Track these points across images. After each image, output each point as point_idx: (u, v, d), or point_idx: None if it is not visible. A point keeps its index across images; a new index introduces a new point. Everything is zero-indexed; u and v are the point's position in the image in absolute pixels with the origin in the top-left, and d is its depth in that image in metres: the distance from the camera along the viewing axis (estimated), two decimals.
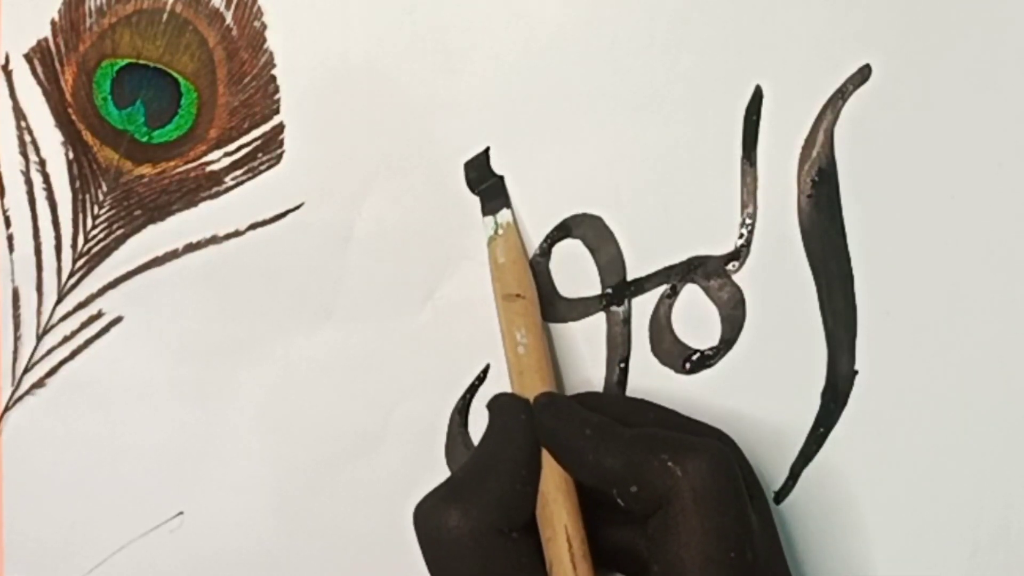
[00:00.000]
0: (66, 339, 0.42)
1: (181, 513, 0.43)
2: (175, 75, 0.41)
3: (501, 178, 0.41)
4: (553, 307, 0.41)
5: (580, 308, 0.41)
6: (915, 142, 0.40)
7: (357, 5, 0.41)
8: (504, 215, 0.41)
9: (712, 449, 0.34)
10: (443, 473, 0.42)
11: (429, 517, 0.35)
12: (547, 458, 0.37)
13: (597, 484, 0.35)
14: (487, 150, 0.41)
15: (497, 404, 0.38)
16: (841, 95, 0.40)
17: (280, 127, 0.41)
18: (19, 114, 0.42)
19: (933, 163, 0.40)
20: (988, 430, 0.41)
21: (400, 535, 0.42)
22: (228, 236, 0.41)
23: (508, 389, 0.39)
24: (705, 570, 0.33)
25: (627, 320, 0.41)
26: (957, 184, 0.41)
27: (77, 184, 0.42)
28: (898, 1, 0.40)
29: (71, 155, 0.42)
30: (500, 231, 0.40)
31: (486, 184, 0.41)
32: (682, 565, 0.33)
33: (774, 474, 0.41)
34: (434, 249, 0.41)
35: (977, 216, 0.41)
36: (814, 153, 0.41)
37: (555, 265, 0.41)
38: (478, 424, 0.42)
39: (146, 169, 0.42)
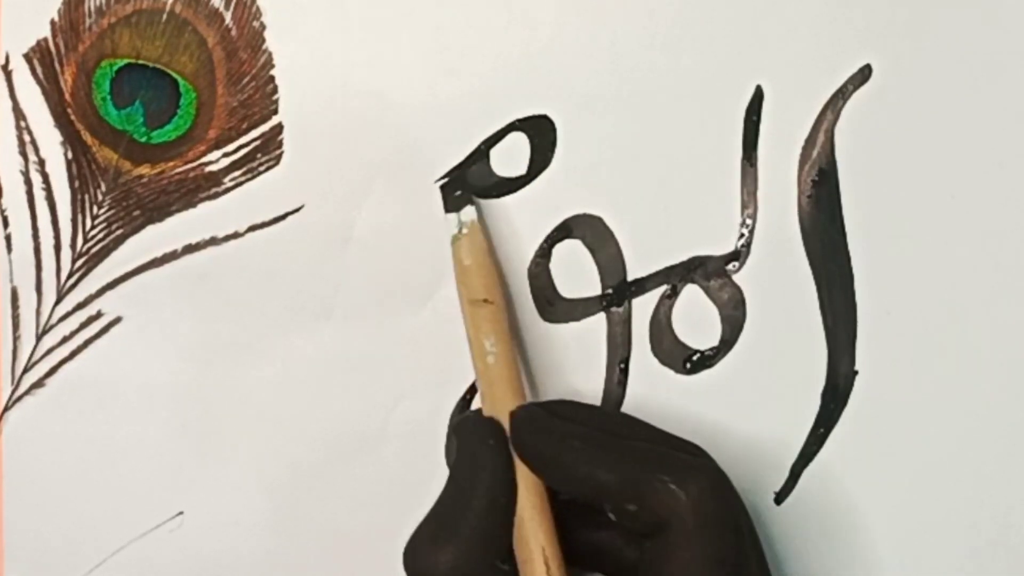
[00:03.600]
0: (65, 339, 0.42)
1: (181, 513, 0.43)
2: (174, 75, 0.41)
3: (463, 173, 0.40)
4: (553, 308, 0.41)
5: (580, 308, 0.41)
6: (915, 142, 0.40)
7: (356, 6, 0.41)
8: (468, 212, 0.40)
9: (713, 471, 0.34)
10: (443, 473, 0.42)
11: (418, 559, 0.35)
12: (521, 478, 0.36)
13: (588, 498, 0.35)
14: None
15: (464, 428, 0.38)
16: (841, 95, 0.40)
17: (279, 128, 0.41)
18: (18, 114, 0.42)
19: (933, 163, 0.40)
20: (988, 430, 0.41)
21: (400, 535, 0.41)
22: (227, 238, 0.41)
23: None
24: None
25: (627, 320, 0.41)
26: (957, 184, 0.40)
27: (76, 184, 0.42)
28: (898, 1, 0.40)
29: (70, 155, 0.42)
30: (464, 230, 0.39)
31: (446, 179, 0.40)
32: None
33: (774, 474, 0.41)
34: (434, 249, 0.41)
35: (977, 216, 0.40)
36: (814, 153, 0.41)
37: (555, 265, 0.41)
38: None
39: (145, 169, 0.42)
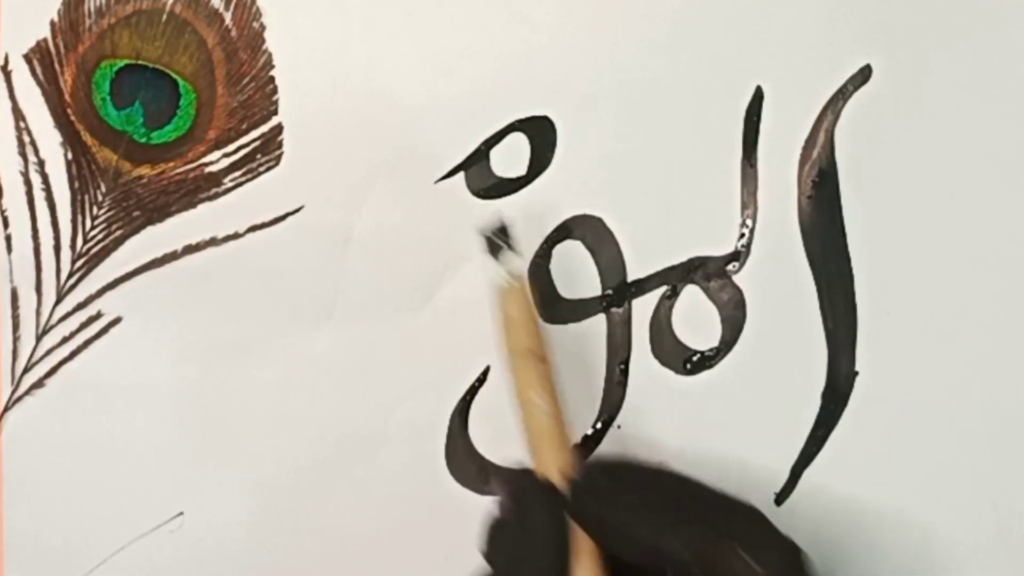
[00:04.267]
0: (65, 340, 0.42)
1: (181, 513, 0.43)
2: (174, 76, 0.41)
3: (504, 225, 0.39)
4: (553, 308, 0.41)
5: (580, 309, 0.41)
6: (915, 142, 0.40)
7: (356, 6, 0.41)
8: (516, 265, 0.38)
9: (791, 547, 0.33)
10: (443, 473, 0.42)
11: None
12: (578, 542, 0.35)
13: (650, 564, 0.33)
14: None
15: (519, 489, 0.36)
16: (842, 96, 0.40)
17: (279, 128, 0.41)
18: (18, 115, 0.42)
19: (933, 163, 0.40)
20: (989, 430, 0.41)
21: (400, 535, 0.42)
22: (227, 238, 0.41)
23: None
24: None
25: (627, 321, 0.41)
26: (957, 184, 0.40)
27: (76, 185, 0.42)
28: (898, 1, 0.40)
29: (70, 156, 0.42)
30: (513, 283, 0.38)
31: (497, 227, 0.39)
32: None
33: (774, 475, 0.41)
34: (434, 250, 0.41)
35: (977, 216, 0.40)
36: (814, 154, 0.41)
37: (555, 266, 0.41)
38: (478, 425, 0.42)
39: (145, 170, 0.42)
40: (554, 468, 0.36)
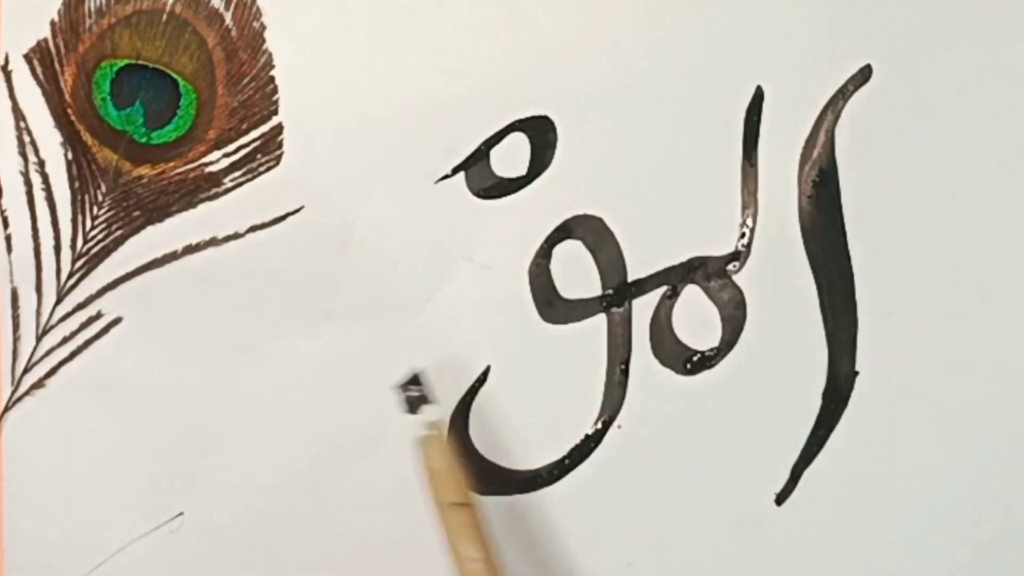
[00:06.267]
0: (65, 340, 0.42)
1: (181, 513, 0.43)
2: (174, 76, 0.41)
3: (415, 376, 0.40)
4: (553, 308, 0.41)
5: (580, 309, 0.41)
6: (915, 142, 0.40)
7: (356, 6, 0.41)
8: (434, 414, 0.39)
9: None
10: None
11: None
12: None
13: None
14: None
15: None
16: (842, 95, 0.40)
17: (279, 128, 0.41)
18: (18, 114, 0.42)
19: (933, 163, 0.40)
20: (988, 430, 0.41)
21: (400, 535, 0.42)
22: (227, 238, 0.41)
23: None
24: None
25: (628, 321, 0.41)
26: (957, 184, 0.40)
27: (76, 185, 0.42)
28: (898, 1, 0.40)
29: (70, 156, 0.42)
30: (432, 431, 0.39)
31: (409, 378, 0.40)
32: None
33: (775, 475, 0.41)
34: (434, 250, 0.41)
35: (977, 216, 0.40)
36: (815, 154, 0.41)
37: (555, 266, 0.41)
38: (478, 426, 0.42)
39: (145, 170, 0.42)
40: None
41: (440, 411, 0.40)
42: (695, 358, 0.41)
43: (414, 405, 0.39)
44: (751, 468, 0.41)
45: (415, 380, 0.39)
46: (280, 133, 0.41)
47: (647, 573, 0.42)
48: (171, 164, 0.42)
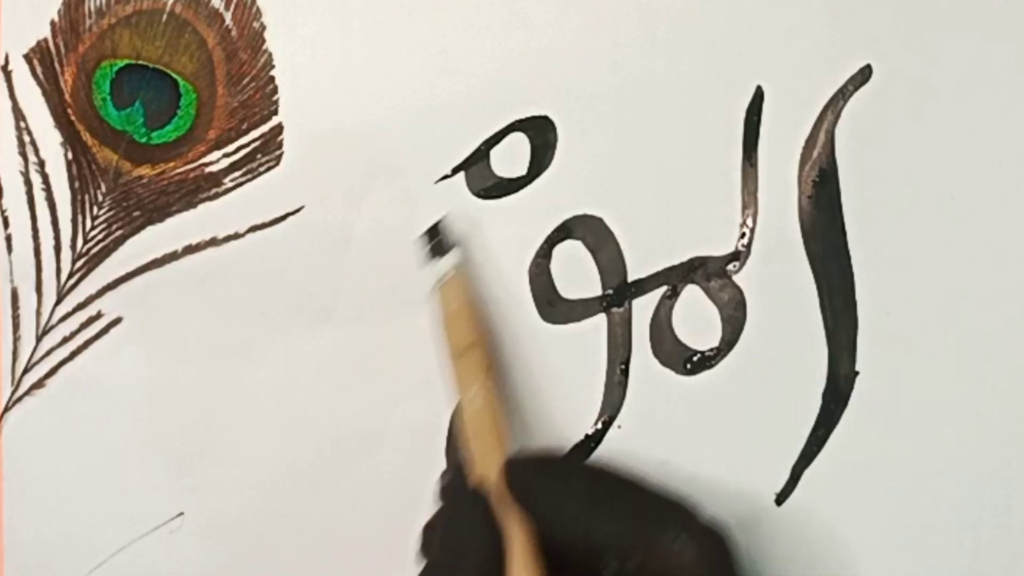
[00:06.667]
0: (65, 340, 0.42)
1: (181, 513, 0.43)
2: (174, 76, 0.41)
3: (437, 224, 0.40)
4: (554, 308, 0.41)
5: (581, 309, 0.41)
6: (915, 142, 0.40)
7: (356, 6, 0.41)
8: (456, 256, 0.40)
9: (719, 528, 0.34)
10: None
11: None
12: (511, 541, 0.35)
13: (585, 553, 0.34)
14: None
15: (451, 495, 0.37)
16: (842, 95, 0.40)
17: (279, 128, 0.41)
18: (18, 114, 0.42)
19: (933, 163, 0.40)
20: (988, 430, 0.41)
21: (400, 535, 0.42)
22: (227, 238, 0.41)
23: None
24: None
25: (628, 321, 0.41)
26: (957, 184, 0.40)
27: (76, 185, 0.42)
28: (898, 1, 0.40)
29: (70, 156, 0.42)
30: (453, 273, 0.39)
31: (432, 227, 0.40)
32: None
33: (775, 475, 0.41)
34: None
35: (977, 216, 0.40)
36: (815, 154, 0.40)
37: (555, 266, 0.41)
38: None
39: (145, 170, 0.42)
40: (488, 462, 0.36)
41: (459, 255, 0.40)
42: (695, 358, 0.41)
43: (437, 251, 0.40)
44: (751, 468, 0.41)
45: (436, 229, 0.40)
46: (280, 133, 0.41)
47: None
48: (171, 164, 0.42)
